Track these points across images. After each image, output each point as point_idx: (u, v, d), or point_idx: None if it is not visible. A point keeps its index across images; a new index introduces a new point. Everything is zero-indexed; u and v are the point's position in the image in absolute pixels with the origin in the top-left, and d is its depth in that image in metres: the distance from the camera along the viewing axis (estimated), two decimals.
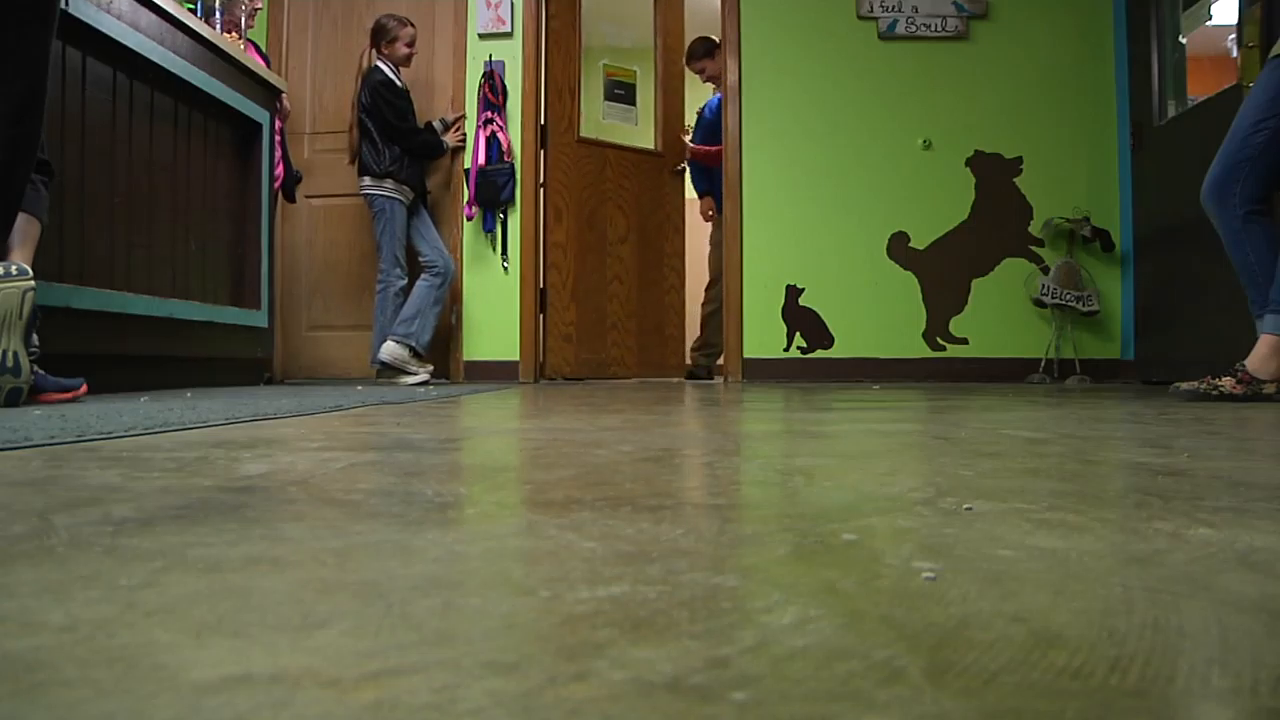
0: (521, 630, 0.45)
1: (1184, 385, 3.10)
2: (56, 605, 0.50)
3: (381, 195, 5.10)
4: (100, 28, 3.24)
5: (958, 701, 0.36)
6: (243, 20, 4.80)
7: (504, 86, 5.73)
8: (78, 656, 0.41)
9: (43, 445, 1.37)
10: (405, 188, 5.18)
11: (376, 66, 5.15)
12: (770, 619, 0.47)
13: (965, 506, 0.83)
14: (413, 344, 5.05)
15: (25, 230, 2.51)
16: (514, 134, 5.72)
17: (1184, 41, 5.12)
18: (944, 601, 0.51)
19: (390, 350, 5.02)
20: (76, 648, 0.42)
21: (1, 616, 0.47)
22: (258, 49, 5.22)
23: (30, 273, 2.34)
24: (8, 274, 2.28)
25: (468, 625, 0.46)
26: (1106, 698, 0.37)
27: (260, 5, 5.17)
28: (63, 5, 2.58)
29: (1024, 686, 0.38)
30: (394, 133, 5.11)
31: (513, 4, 5.77)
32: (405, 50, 5.22)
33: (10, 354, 2.28)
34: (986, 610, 0.49)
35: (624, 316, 6.23)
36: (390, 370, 5.06)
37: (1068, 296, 5.44)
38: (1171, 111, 5.13)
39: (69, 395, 2.60)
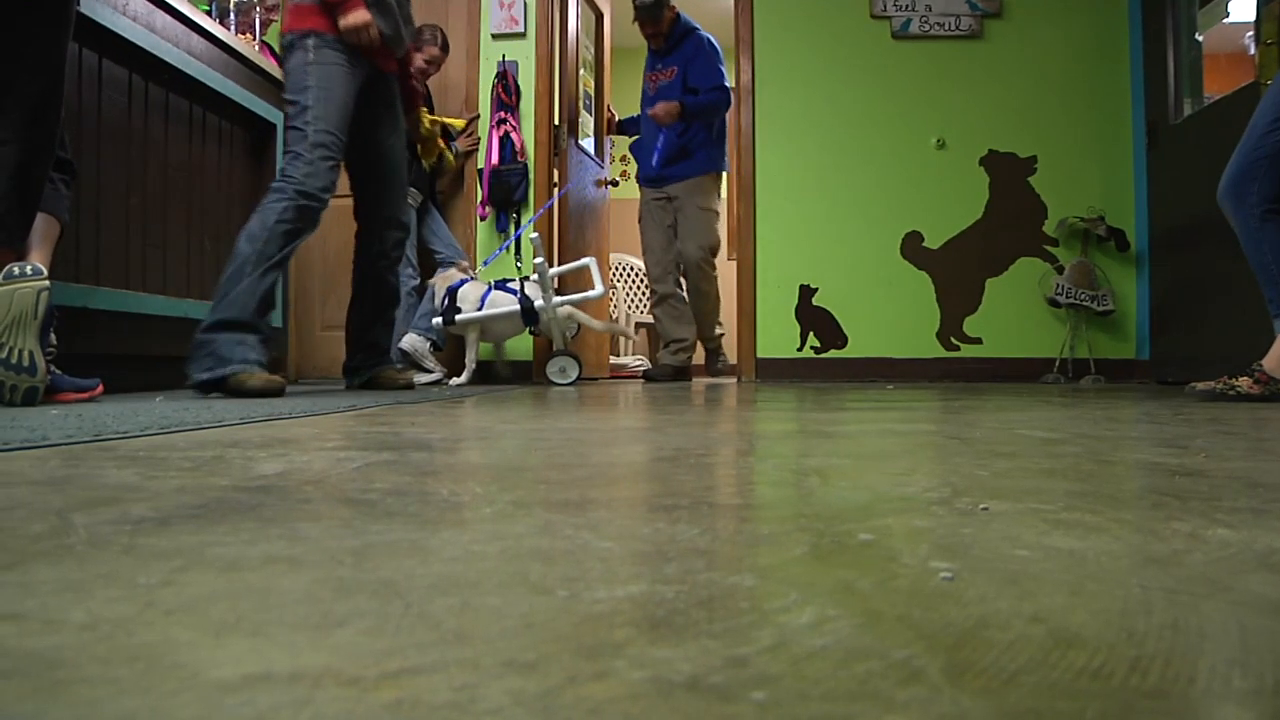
0: (540, 629, 0.45)
1: (1200, 385, 3.09)
2: (77, 603, 0.50)
3: None
4: (116, 29, 3.26)
5: (977, 701, 0.36)
6: (257, 23, 4.82)
7: (517, 87, 5.73)
8: (98, 655, 0.41)
9: (60, 445, 1.38)
10: (414, 190, 5.21)
11: None
12: (788, 619, 0.47)
13: (981, 506, 0.83)
14: (434, 338, 5.10)
15: (45, 230, 2.53)
16: (527, 134, 5.73)
17: (1200, 39, 5.09)
18: (962, 601, 0.51)
19: (411, 340, 5.07)
20: (97, 646, 0.43)
21: (23, 614, 0.48)
22: (273, 51, 5.24)
23: (44, 273, 2.35)
24: (23, 274, 2.30)
25: (486, 624, 0.46)
26: (1127, 698, 0.37)
27: (276, 18, 5.17)
28: (78, 7, 2.59)
29: (1044, 687, 0.38)
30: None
31: (525, 4, 5.77)
32: (423, 63, 5.26)
33: (26, 353, 2.30)
34: (1004, 610, 0.49)
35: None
36: (407, 362, 5.09)
37: (1082, 296, 5.42)
38: (1187, 110, 5.10)
39: (85, 395, 2.61)
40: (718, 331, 5.95)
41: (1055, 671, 0.39)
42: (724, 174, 5.92)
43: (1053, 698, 0.36)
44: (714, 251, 5.76)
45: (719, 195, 5.85)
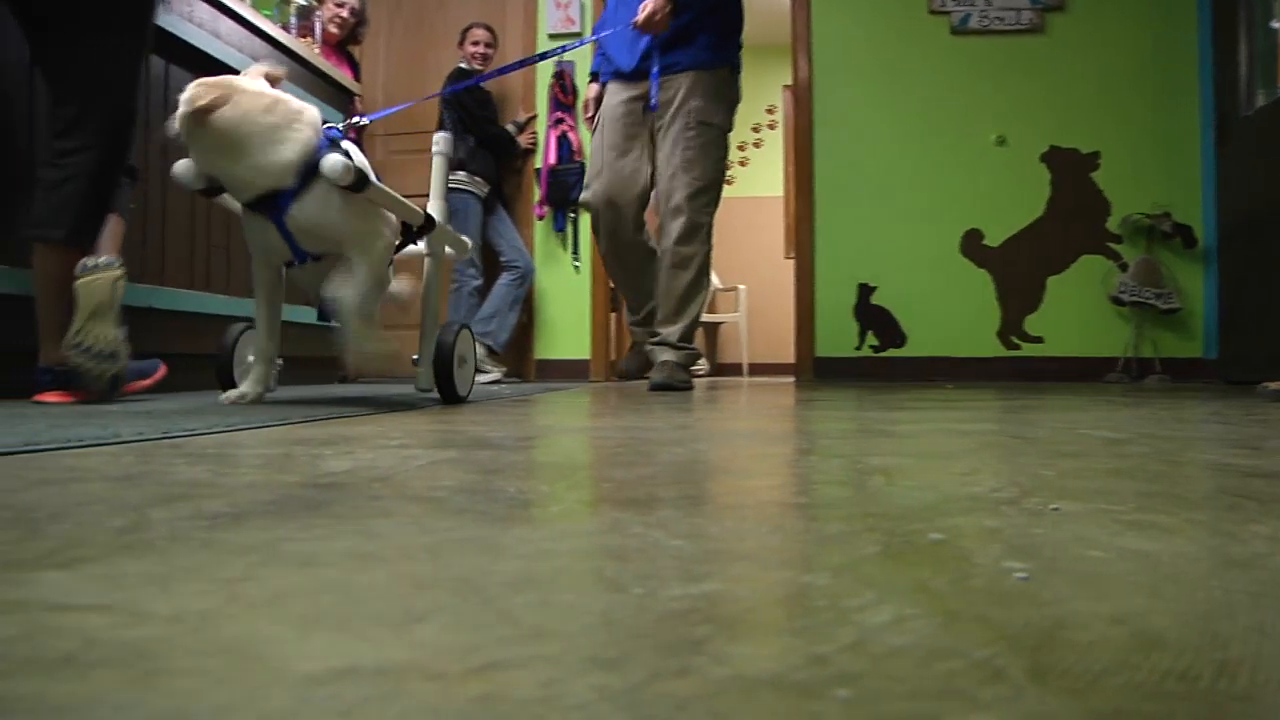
0: (619, 626, 0.45)
1: (1272, 385, 3.02)
2: (162, 596, 0.51)
3: (456, 190, 5.13)
4: (183, 36, 3.33)
5: (1063, 701, 0.35)
6: (318, 27, 4.88)
7: (574, 87, 5.76)
8: (187, 646, 0.42)
9: (131, 442, 1.41)
10: (479, 179, 5.24)
11: (459, 63, 5.31)
12: (866, 617, 0.47)
13: (1051, 507, 0.82)
14: (490, 343, 5.11)
15: (111, 228, 2.59)
16: (584, 134, 5.75)
17: (1277, 26, 4.97)
18: (1038, 602, 0.50)
19: None
20: (185, 638, 0.43)
21: (112, 606, 0.49)
22: (350, 59, 5.23)
23: (116, 262, 2.41)
24: (97, 266, 2.36)
25: (565, 621, 0.46)
26: (1216, 701, 0.36)
27: (345, 13, 5.14)
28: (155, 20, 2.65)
29: (1129, 688, 0.37)
30: (472, 121, 5.20)
31: (582, 4, 5.79)
32: (470, 48, 5.33)
33: (108, 341, 2.36)
34: (1083, 611, 0.48)
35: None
36: None
37: (1147, 294, 5.32)
38: (1260, 100, 4.98)
39: (149, 381, 2.68)
40: (691, 347, 3.88)
41: (1140, 673, 0.39)
42: (739, 72, 4.01)
43: (1139, 699, 0.36)
44: (713, 196, 3.83)
45: (733, 103, 3.95)
